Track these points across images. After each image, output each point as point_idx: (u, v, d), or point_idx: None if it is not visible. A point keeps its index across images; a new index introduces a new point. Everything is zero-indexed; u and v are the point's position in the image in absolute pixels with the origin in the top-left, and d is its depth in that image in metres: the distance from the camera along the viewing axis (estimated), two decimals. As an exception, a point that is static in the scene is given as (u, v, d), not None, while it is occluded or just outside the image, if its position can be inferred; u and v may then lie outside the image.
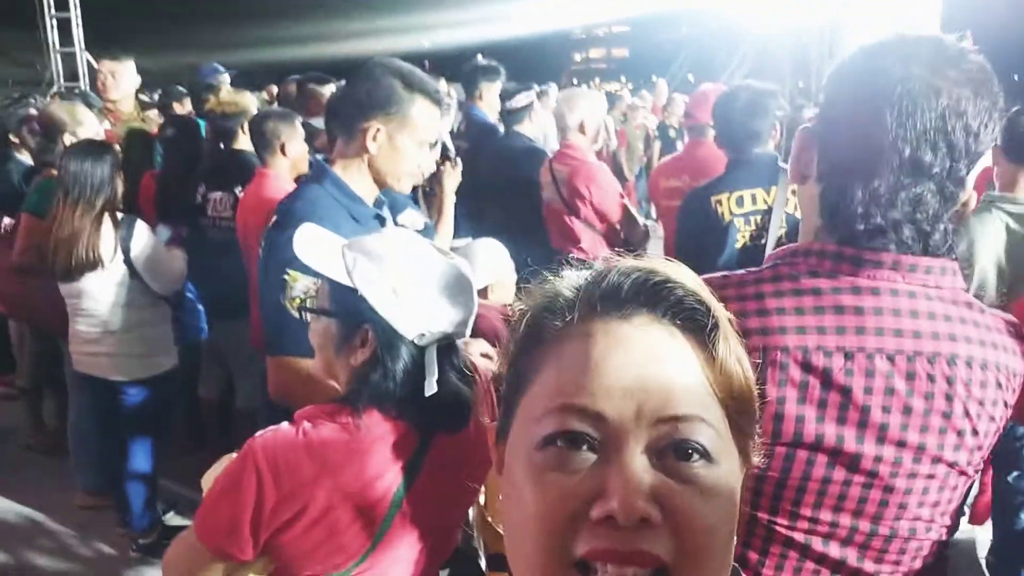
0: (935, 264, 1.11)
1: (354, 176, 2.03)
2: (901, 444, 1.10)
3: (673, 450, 0.58)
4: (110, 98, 4.76)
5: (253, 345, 3.33)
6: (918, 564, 1.20)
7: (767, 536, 1.18)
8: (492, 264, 2.73)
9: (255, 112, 3.72)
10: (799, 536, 1.16)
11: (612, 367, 0.59)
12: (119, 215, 3.17)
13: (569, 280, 0.66)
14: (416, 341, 1.38)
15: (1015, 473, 2.60)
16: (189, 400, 4.16)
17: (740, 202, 3.01)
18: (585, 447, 0.58)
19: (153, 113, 5.33)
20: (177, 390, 3.66)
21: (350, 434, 1.35)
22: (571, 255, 4.02)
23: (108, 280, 3.18)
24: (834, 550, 1.16)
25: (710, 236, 3.04)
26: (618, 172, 8.32)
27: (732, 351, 0.63)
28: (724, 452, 0.60)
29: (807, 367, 1.09)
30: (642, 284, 0.62)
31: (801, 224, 1.25)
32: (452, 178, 2.95)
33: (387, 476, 1.37)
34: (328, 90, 4.35)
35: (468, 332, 1.44)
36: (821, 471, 1.12)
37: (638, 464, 0.57)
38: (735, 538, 0.62)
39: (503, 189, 4.38)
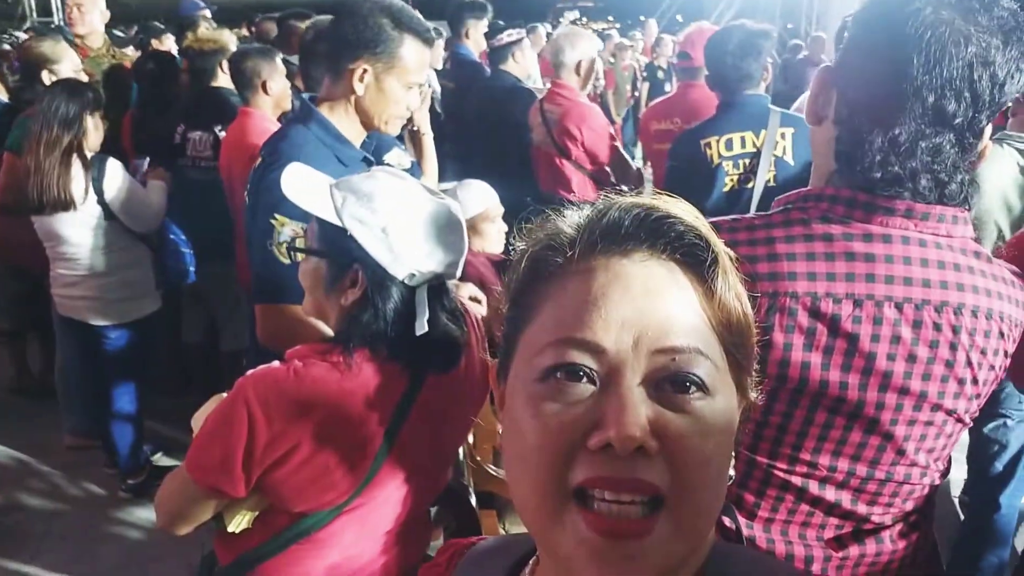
0: (947, 212, 1.11)
1: (340, 117, 1.98)
2: (904, 391, 1.11)
3: (670, 382, 0.58)
4: (78, 32, 4.60)
5: (240, 287, 3.31)
6: (909, 506, 1.23)
7: (764, 479, 1.19)
8: (481, 205, 2.71)
9: (234, 50, 3.63)
10: (796, 480, 1.18)
11: (611, 301, 0.59)
12: (89, 154, 3.10)
13: (570, 218, 0.66)
14: (406, 281, 1.37)
15: (992, 423, 2.63)
16: (174, 343, 4.15)
17: (729, 145, 2.99)
18: (584, 379, 0.58)
19: (130, 50, 5.19)
20: (161, 333, 3.64)
21: (341, 373, 1.35)
22: (559, 197, 4.00)
23: (84, 223, 3.13)
24: (829, 493, 1.18)
25: (698, 179, 3.02)
26: (605, 113, 8.23)
27: (731, 286, 0.63)
28: (721, 385, 0.61)
29: (815, 313, 1.09)
30: (642, 220, 0.62)
31: (813, 166, 1.23)
32: (424, 112, 2.88)
33: (378, 415, 1.38)
34: (308, 27, 4.24)
35: (459, 273, 1.43)
36: (823, 416, 1.13)
37: (636, 394, 0.57)
38: (731, 472, 0.63)
39: (490, 130, 4.32)
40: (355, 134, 2.01)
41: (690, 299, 0.61)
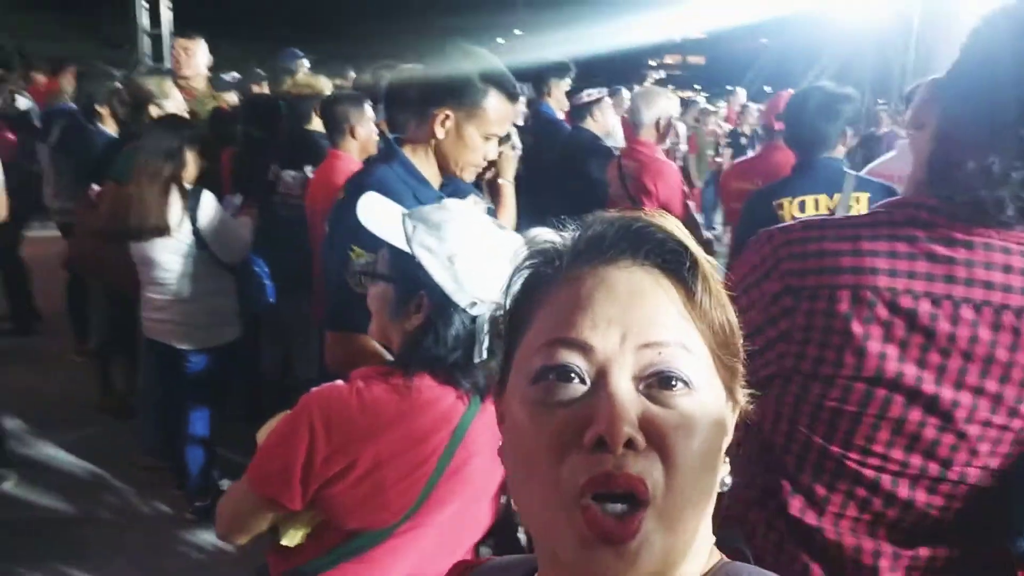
0: None
1: (421, 159, 2.07)
2: (979, 391, 1.14)
3: (657, 378, 0.61)
4: (183, 74, 4.90)
5: (315, 320, 3.43)
6: (981, 511, 1.22)
7: (836, 471, 1.22)
8: None
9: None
10: (869, 472, 1.20)
11: (597, 302, 0.63)
12: (188, 187, 3.29)
13: (558, 235, 0.71)
14: (468, 309, 1.42)
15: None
16: (251, 371, 4.29)
17: (802, 207, 2.97)
18: (575, 379, 0.61)
19: (232, 94, 5.50)
20: (238, 361, 3.78)
21: (400, 395, 1.40)
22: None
23: (176, 250, 3.30)
24: (903, 490, 1.19)
25: (769, 240, 3.01)
26: (686, 176, 8.26)
27: (711, 291, 0.66)
28: (706, 382, 0.63)
29: (894, 308, 1.14)
30: (624, 230, 0.66)
31: (911, 170, 1.28)
32: (510, 164, 2.97)
33: (434, 438, 1.41)
34: (398, 75, 4.43)
35: None
36: (898, 410, 1.16)
37: (623, 389, 0.60)
38: (727, 479, 0.65)
39: (566, 184, 4.40)
40: (433, 176, 2.09)
41: (673, 299, 0.64)
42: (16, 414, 4.37)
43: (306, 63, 5.49)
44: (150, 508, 3.70)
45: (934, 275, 1.13)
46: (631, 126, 4.17)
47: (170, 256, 3.31)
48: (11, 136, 5.69)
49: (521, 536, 1.86)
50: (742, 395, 0.69)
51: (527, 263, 0.70)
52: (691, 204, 4.09)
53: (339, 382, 1.44)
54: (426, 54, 2.16)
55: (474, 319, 1.43)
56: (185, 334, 3.44)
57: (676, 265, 0.65)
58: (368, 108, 3.47)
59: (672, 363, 0.61)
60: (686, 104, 10.17)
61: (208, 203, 3.31)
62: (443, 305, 1.42)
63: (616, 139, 5.16)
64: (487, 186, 3.29)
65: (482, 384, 1.45)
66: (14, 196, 5.55)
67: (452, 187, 2.26)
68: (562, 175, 4.46)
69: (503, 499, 1.61)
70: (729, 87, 14.53)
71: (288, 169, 3.84)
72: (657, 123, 4.00)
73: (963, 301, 1.13)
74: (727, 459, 0.66)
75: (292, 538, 1.49)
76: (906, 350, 1.14)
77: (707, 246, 4.05)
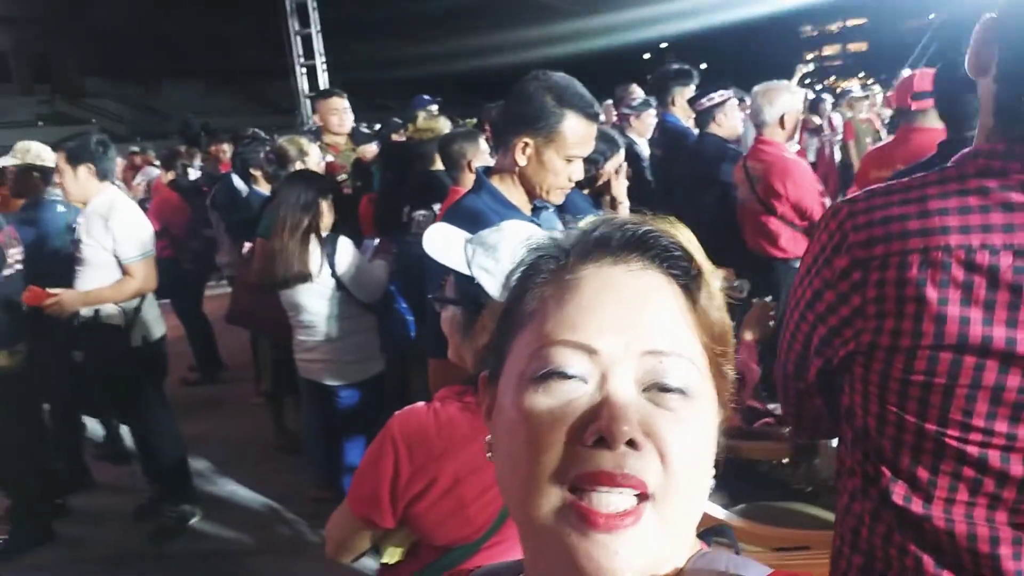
0: None
1: (508, 186, 2.14)
2: None
3: (658, 383, 0.62)
4: (342, 132, 5.27)
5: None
6: None
7: (937, 451, 1.13)
8: None
9: (448, 135, 3.99)
10: (973, 449, 1.11)
11: (603, 306, 0.63)
12: (325, 234, 3.53)
13: (563, 234, 0.71)
14: (530, 326, 1.45)
15: None
16: (399, 401, 4.49)
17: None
18: (577, 379, 0.62)
19: (373, 145, 5.85)
20: (387, 392, 3.98)
21: (473, 413, 1.45)
22: (768, 256, 3.89)
23: (320, 294, 3.55)
24: (1016, 466, 1.09)
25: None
26: (848, 165, 7.87)
27: (713, 296, 0.67)
28: (702, 390, 0.64)
29: (971, 266, 1.07)
30: (631, 233, 0.67)
31: (979, 122, 1.20)
32: (621, 185, 2.98)
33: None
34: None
35: None
36: (992, 377, 1.08)
37: (626, 391, 0.61)
38: (711, 472, 0.65)
39: (695, 192, 4.33)
40: (522, 202, 2.15)
41: (677, 306, 0.65)
42: (202, 455, 4.81)
43: (435, 107, 5.74)
44: (319, 537, 3.95)
45: (1014, 225, 1.05)
46: (755, 125, 4.05)
47: (314, 300, 3.56)
48: (183, 204, 6.32)
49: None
50: (728, 404, 0.69)
51: (529, 259, 0.71)
52: (827, 202, 3.90)
53: (419, 404, 1.52)
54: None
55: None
56: (334, 371, 3.67)
57: (680, 271, 0.66)
58: (483, 142, 3.59)
59: (673, 371, 0.62)
60: (838, 95, 9.67)
61: (344, 248, 3.54)
62: None
63: (748, 139, 5.02)
64: (608, 205, 3.32)
65: None
66: (197, 260, 6.19)
67: (569, 206, 2.29)
68: (693, 185, 4.39)
69: None
70: (894, 72, 13.65)
71: (419, 209, 4.03)
72: (782, 119, 3.86)
73: None
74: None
75: (392, 555, 1.57)
76: (991, 310, 1.05)
77: None
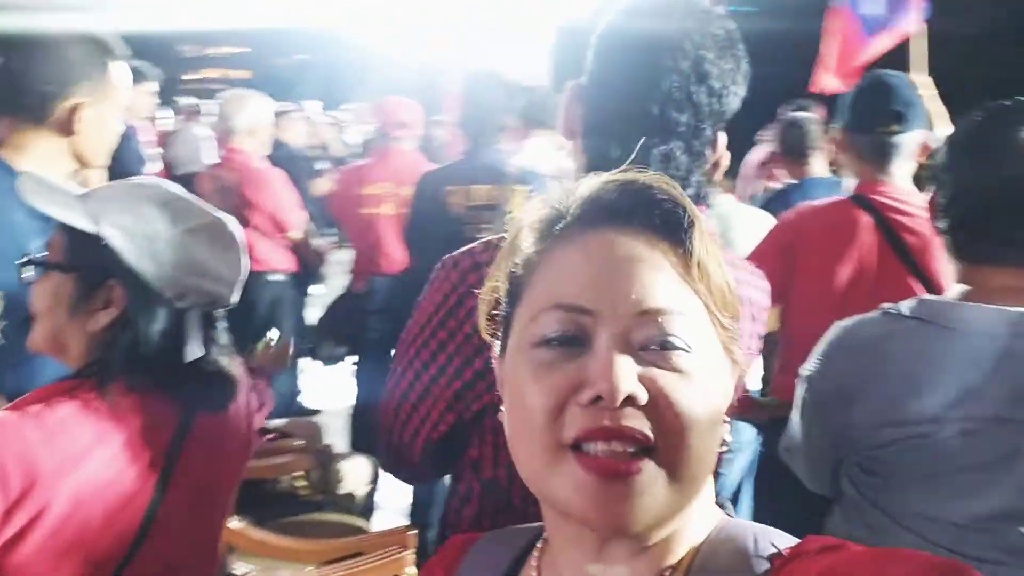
0: None
1: None
2: None
3: (656, 341, 0.63)
4: None
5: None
6: None
7: None
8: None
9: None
10: None
11: (597, 267, 0.65)
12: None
13: (559, 196, 0.70)
14: (176, 302, 1.21)
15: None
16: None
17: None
18: (575, 341, 0.63)
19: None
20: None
21: (95, 411, 1.14)
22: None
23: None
24: None
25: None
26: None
27: (709, 251, 0.67)
28: (704, 343, 0.65)
29: None
30: (621, 191, 0.68)
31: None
32: None
33: (145, 461, 1.18)
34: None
35: (234, 299, 1.29)
36: None
37: (621, 350, 0.62)
38: (727, 437, 0.67)
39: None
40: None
41: (672, 264, 0.66)
42: None
43: None
44: None
45: None
46: (222, 132, 3.99)
47: None
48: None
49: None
50: (740, 355, 0.70)
51: (525, 225, 0.70)
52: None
53: (3, 411, 1.12)
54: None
55: (181, 315, 1.23)
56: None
57: (675, 226, 0.66)
58: None
59: (670, 329, 0.63)
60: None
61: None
62: (143, 297, 1.19)
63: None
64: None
65: (195, 391, 1.24)
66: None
67: None
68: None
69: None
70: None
71: None
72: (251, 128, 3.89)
73: None
74: (728, 420, 0.67)
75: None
76: None
77: None
